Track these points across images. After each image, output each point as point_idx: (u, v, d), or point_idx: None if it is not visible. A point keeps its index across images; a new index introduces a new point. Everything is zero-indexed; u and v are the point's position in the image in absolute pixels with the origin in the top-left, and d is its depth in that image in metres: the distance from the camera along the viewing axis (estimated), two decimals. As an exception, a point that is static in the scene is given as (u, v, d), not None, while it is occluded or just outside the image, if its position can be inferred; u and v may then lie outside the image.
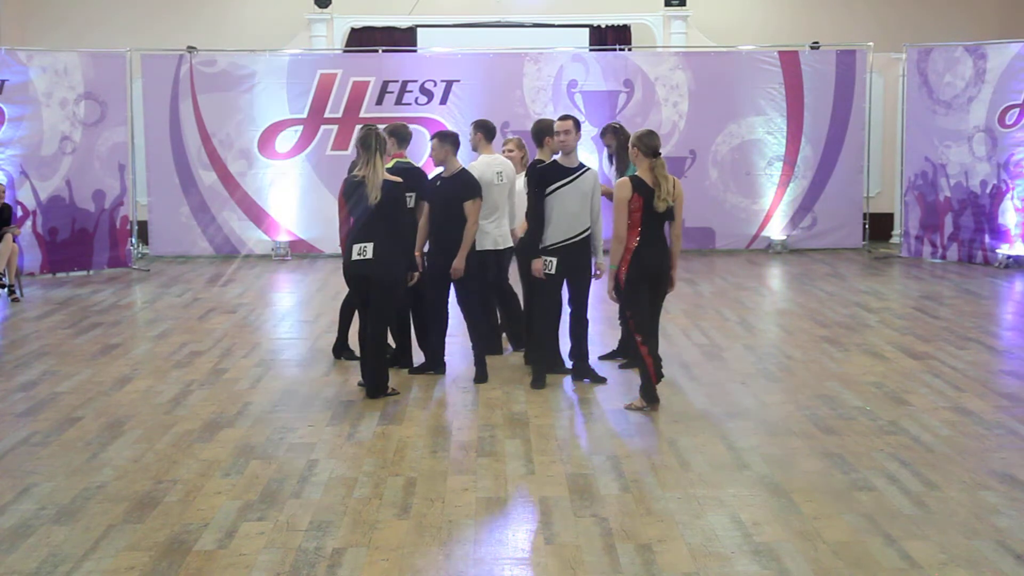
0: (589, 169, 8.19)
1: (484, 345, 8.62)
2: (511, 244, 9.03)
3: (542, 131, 8.58)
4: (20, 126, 13.66)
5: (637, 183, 7.32)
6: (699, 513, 5.62)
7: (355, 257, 7.74)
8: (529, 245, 8.19)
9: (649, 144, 7.36)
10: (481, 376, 8.43)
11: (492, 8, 16.60)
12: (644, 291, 7.43)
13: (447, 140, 8.48)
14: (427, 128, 15.05)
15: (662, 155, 7.43)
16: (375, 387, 7.87)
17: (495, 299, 9.43)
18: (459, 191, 8.32)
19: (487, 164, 8.82)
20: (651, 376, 7.43)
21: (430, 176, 8.70)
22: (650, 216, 7.32)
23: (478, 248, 8.68)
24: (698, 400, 7.84)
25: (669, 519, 5.54)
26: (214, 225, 15.37)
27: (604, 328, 10.03)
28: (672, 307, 10.38)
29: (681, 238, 7.69)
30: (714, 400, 7.81)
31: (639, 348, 7.44)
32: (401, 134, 8.95)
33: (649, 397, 7.48)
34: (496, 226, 8.85)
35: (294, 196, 15.45)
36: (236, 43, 16.09)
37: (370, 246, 7.68)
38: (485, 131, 9.09)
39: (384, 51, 15.98)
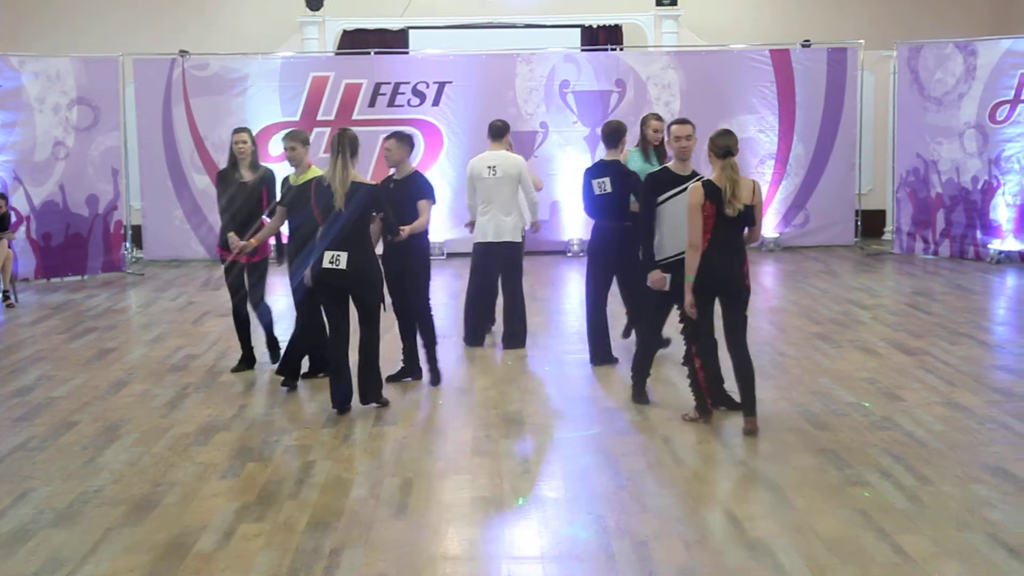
0: (703, 177, 7.28)
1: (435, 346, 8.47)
2: (508, 239, 9.28)
3: (619, 132, 8.69)
4: (13, 132, 13.67)
5: (709, 188, 6.73)
6: (694, 508, 5.65)
7: (326, 265, 7.30)
8: (644, 257, 7.44)
9: (721, 144, 6.76)
10: (435, 379, 8.32)
11: (484, 9, 16.61)
12: (711, 302, 6.95)
13: (406, 141, 8.31)
14: (420, 129, 15.14)
15: (733, 156, 6.77)
16: (372, 392, 7.64)
17: (498, 294, 9.70)
18: (412, 193, 8.18)
19: (481, 158, 9.38)
20: (702, 386, 7.12)
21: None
22: (723, 222, 6.75)
23: (478, 240, 9.19)
24: (692, 398, 7.85)
25: (664, 515, 5.56)
26: (206, 227, 15.36)
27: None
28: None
29: (756, 240, 7.19)
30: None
31: (693, 359, 7.13)
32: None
33: (702, 408, 7.16)
34: (489, 219, 9.18)
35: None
36: (228, 46, 16.09)
37: (344, 255, 7.27)
38: (489, 130, 9.58)
39: (376, 53, 15.97)
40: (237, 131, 8.78)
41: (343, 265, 7.28)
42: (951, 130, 14.55)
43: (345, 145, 7.29)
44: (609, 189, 8.54)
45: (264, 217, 8.59)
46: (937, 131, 14.68)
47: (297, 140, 8.18)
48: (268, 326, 9.01)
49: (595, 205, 8.66)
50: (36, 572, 5.00)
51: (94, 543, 5.32)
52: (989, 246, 14.21)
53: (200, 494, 6.00)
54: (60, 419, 7.58)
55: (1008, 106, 14.02)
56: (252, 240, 8.41)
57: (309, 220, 7.73)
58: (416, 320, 8.39)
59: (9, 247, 12.49)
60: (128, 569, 5.01)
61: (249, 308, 8.89)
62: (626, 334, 9.48)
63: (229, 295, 8.95)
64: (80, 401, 8.04)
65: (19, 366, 9.29)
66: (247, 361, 8.96)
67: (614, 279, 8.80)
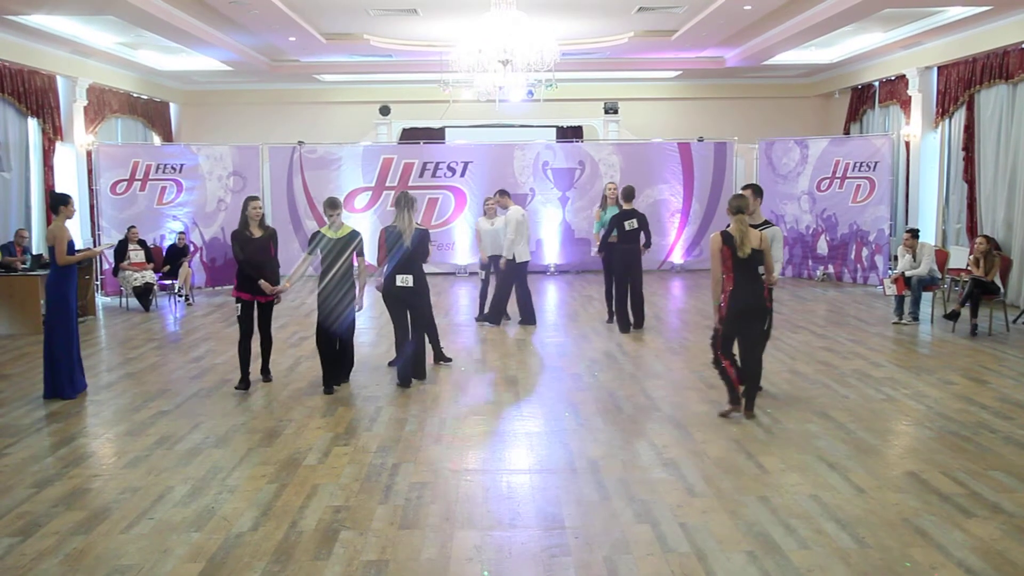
0: (772, 226, 6.48)
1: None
2: (528, 259, 9.79)
3: (633, 192, 9.44)
4: (192, 192, 13.62)
5: (725, 237, 5.83)
6: (628, 439, 5.62)
7: (399, 284, 6.92)
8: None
9: (733, 204, 5.90)
10: (438, 358, 7.81)
11: (493, 115, 16.59)
12: (736, 323, 5.86)
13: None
14: (452, 192, 15.10)
15: (743, 214, 5.86)
16: (421, 370, 7.19)
17: (520, 290, 10.02)
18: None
19: (515, 209, 9.74)
20: (733, 381, 5.96)
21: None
22: (738, 262, 5.79)
23: (513, 260, 9.55)
24: (628, 366, 7.83)
25: (609, 444, 5.53)
26: (314, 254, 15.20)
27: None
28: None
29: (771, 274, 6.04)
30: (637, 366, 7.80)
31: (722, 361, 5.96)
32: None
33: (733, 399, 6.03)
34: (524, 247, 9.71)
35: (366, 235, 15.26)
36: (329, 138, 16.04)
37: (410, 277, 6.92)
38: (503, 193, 10.07)
39: (424, 143, 15.91)
40: (252, 199, 7.13)
41: (410, 284, 6.93)
42: (792, 196, 14.48)
43: (410, 203, 6.99)
44: (636, 226, 9.30)
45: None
46: (784, 196, 14.61)
47: (336, 208, 6.97)
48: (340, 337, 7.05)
49: (621, 236, 9.29)
50: (203, 476, 4.98)
51: (240, 457, 5.31)
52: (816, 270, 14.15)
53: (308, 427, 5.97)
54: (219, 377, 7.56)
55: (827, 181, 13.97)
56: (287, 283, 7.07)
57: (345, 264, 6.85)
58: (428, 323, 7.67)
59: (188, 266, 12.45)
60: (261, 475, 4.98)
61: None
62: (611, 319, 9.88)
63: (240, 327, 7.09)
64: (232, 366, 7.99)
65: (194, 342, 9.25)
66: (245, 383, 7.02)
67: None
